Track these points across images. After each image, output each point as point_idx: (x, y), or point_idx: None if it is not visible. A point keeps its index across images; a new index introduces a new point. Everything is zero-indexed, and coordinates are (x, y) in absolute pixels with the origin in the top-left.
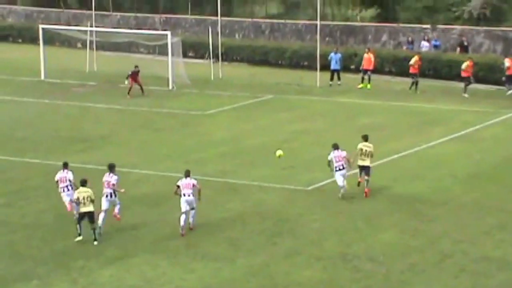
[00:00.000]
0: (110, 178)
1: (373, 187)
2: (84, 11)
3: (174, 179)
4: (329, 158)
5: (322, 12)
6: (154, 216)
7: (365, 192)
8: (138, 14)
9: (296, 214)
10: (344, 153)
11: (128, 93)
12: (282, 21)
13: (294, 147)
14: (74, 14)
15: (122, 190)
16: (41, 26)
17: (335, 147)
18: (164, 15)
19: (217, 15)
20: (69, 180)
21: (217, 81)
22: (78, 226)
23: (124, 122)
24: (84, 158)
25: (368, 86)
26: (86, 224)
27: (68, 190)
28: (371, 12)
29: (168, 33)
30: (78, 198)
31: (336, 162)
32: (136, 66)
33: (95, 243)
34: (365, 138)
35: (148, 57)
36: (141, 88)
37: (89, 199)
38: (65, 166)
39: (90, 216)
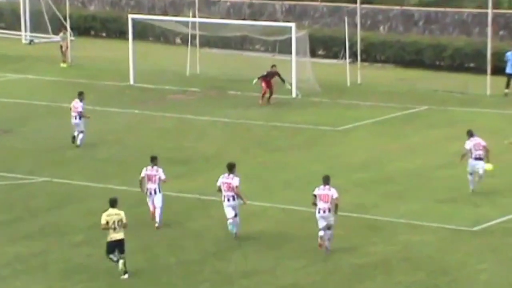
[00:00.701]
0: (231, 180)
1: None
2: None
3: (296, 213)
4: (467, 147)
5: None
6: (270, 261)
7: None
8: (254, 1)
9: (458, 262)
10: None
11: (262, 99)
12: (441, 9)
13: (455, 174)
14: (172, 1)
15: (248, 202)
16: (130, 16)
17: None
18: (287, 2)
19: (355, 2)
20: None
21: (354, 87)
22: (110, 258)
23: (234, 140)
24: (184, 185)
25: None
26: None
27: (155, 193)
28: None
29: (292, 25)
30: (107, 223)
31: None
32: (273, 66)
33: (125, 276)
34: None
35: (266, 55)
36: (270, 95)
37: (120, 223)
38: (154, 160)
39: (121, 245)
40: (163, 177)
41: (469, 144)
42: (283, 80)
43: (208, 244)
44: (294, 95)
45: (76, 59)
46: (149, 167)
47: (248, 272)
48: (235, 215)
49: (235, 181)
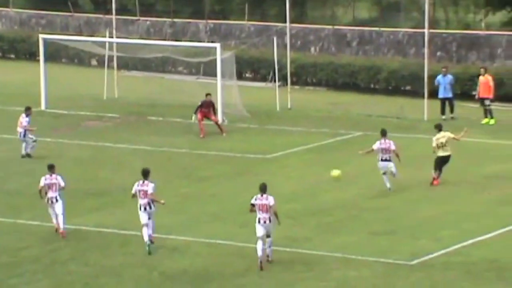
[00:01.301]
0: (146, 187)
1: None
2: (101, 16)
3: (223, 248)
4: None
5: (431, 17)
6: None
7: None
8: (176, 20)
9: None
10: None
11: (202, 132)
12: (376, 28)
13: (391, 204)
14: (87, 19)
15: (162, 202)
16: (41, 36)
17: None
18: (211, 21)
19: (285, 21)
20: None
21: (284, 112)
22: None
23: (156, 169)
24: (100, 219)
25: (491, 121)
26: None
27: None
28: (502, 15)
29: (218, 45)
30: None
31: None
32: (208, 95)
33: None
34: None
35: (189, 79)
36: (219, 126)
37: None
38: (51, 169)
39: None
40: (62, 184)
41: (377, 145)
42: (215, 114)
43: (128, 284)
44: (220, 120)
45: None
46: (48, 176)
47: None
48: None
49: (150, 187)
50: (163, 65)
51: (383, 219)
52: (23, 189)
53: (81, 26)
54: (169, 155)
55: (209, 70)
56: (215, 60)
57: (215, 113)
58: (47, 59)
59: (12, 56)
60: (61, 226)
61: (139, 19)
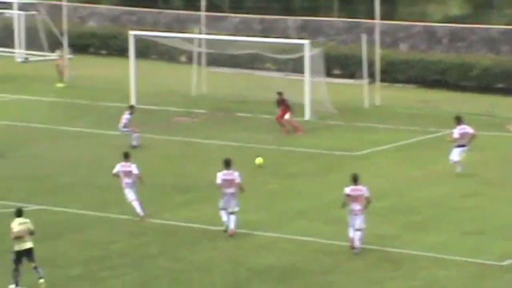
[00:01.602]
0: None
1: None
2: (191, 12)
3: (310, 245)
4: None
5: None
6: None
7: None
8: (265, 16)
9: None
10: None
11: (298, 131)
12: (468, 25)
13: (481, 204)
14: (177, 16)
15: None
16: (131, 32)
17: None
18: (301, 17)
19: (374, 18)
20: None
21: (373, 109)
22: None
23: (243, 165)
24: (188, 214)
25: None
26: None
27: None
28: None
29: (306, 42)
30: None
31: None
32: (279, 93)
33: (42, 281)
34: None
35: (278, 75)
36: (288, 125)
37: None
38: (127, 157)
39: (30, 254)
40: (136, 172)
41: (456, 132)
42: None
43: (215, 278)
44: (308, 117)
45: (73, 78)
46: (123, 163)
47: None
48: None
49: (236, 175)
50: (251, 61)
51: (472, 219)
52: (113, 184)
53: (171, 22)
54: (256, 151)
55: (298, 66)
56: (304, 56)
57: (289, 111)
58: (137, 55)
59: (104, 52)
60: (139, 210)
61: (228, 16)
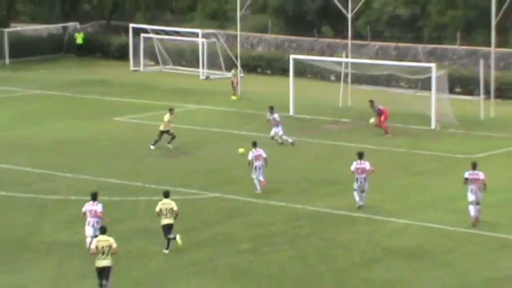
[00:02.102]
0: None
1: None
2: (339, 40)
3: (435, 230)
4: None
5: None
6: (409, 271)
7: None
8: (400, 44)
9: None
10: None
11: (388, 131)
12: None
13: None
14: (328, 43)
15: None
16: (292, 56)
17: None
18: (429, 46)
19: (490, 46)
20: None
21: (488, 121)
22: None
23: (379, 164)
24: (332, 202)
25: None
26: None
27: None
28: None
29: (433, 65)
30: (97, 248)
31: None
32: (371, 102)
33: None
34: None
35: (409, 92)
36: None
37: (108, 248)
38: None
39: (107, 272)
40: (264, 155)
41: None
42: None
43: (355, 256)
44: (433, 126)
45: (244, 93)
46: (254, 150)
47: (391, 281)
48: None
49: (367, 164)
50: (388, 80)
51: None
52: (275, 177)
53: (323, 48)
54: (390, 153)
55: (426, 85)
56: (431, 77)
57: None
58: (296, 74)
59: (269, 72)
60: (258, 188)
61: (369, 43)
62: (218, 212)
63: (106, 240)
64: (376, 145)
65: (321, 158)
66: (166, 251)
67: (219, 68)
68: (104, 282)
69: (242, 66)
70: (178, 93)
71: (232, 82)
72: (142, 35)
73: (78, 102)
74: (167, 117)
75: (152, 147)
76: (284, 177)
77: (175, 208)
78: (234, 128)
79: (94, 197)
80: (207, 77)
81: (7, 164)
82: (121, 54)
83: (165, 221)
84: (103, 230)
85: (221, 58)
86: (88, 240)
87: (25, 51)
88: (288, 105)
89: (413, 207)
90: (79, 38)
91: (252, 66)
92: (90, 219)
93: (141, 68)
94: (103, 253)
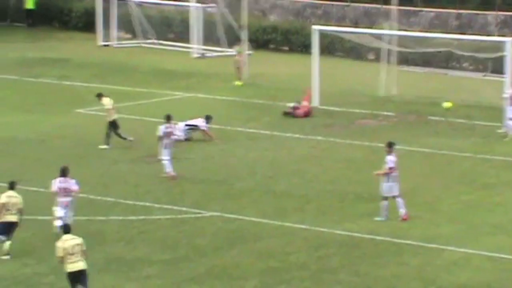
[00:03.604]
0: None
1: None
2: (381, 6)
3: (508, 263)
4: None
5: None
6: None
7: None
8: (462, 11)
9: None
10: None
11: None
12: None
13: None
14: (365, 10)
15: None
16: (315, 27)
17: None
18: (502, 13)
19: None
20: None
21: None
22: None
23: (434, 173)
24: (370, 224)
25: None
26: None
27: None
28: None
29: (508, 40)
30: (65, 249)
31: None
32: None
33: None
34: None
35: (475, 76)
36: None
37: (80, 247)
38: (64, 173)
39: (84, 277)
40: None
41: None
42: None
43: None
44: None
45: (252, 76)
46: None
47: None
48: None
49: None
50: (446, 60)
51: None
52: (292, 190)
53: (358, 17)
54: (449, 158)
55: (498, 67)
56: (504, 56)
57: None
58: (321, 52)
59: (285, 48)
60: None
61: (421, 10)
62: (217, 236)
63: (73, 238)
64: (429, 147)
65: (355, 165)
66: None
67: (218, 44)
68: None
69: (250, 41)
70: (162, 76)
71: (236, 62)
72: None
73: (28, 88)
74: (107, 101)
75: (105, 146)
76: (304, 190)
77: (20, 204)
78: (238, 124)
79: (64, 173)
80: (202, 55)
81: None
82: (86, 24)
83: (8, 218)
84: (67, 229)
85: (220, 30)
86: (58, 223)
87: None
88: (311, 92)
89: (479, 231)
90: (30, 2)
91: (263, 40)
92: (61, 199)
93: (113, 43)
94: (73, 254)
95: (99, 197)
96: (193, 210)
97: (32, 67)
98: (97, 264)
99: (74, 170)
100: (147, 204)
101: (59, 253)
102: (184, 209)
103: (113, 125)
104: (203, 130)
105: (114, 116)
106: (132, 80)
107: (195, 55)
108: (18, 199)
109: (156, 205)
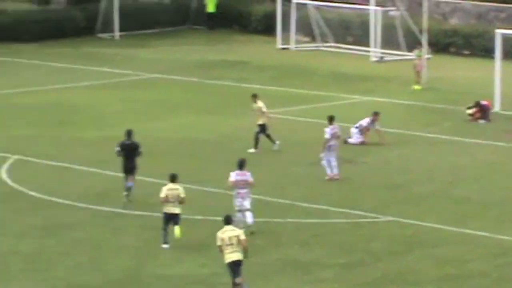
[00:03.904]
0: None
1: None
2: None
3: None
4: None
5: None
6: None
7: None
8: None
9: None
10: None
11: None
12: None
13: None
14: None
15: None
16: (498, 31)
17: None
18: None
19: None
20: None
21: None
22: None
23: None
24: None
25: None
26: None
27: None
28: None
29: None
30: (223, 239)
31: None
32: None
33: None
34: None
35: None
36: None
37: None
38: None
39: (238, 267)
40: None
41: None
42: None
43: None
44: None
45: (431, 80)
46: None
47: None
48: None
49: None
50: None
51: None
52: (472, 197)
53: None
54: None
55: None
56: None
57: None
58: (505, 56)
59: (466, 52)
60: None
61: None
62: (393, 241)
63: (232, 229)
64: None
65: None
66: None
67: (398, 47)
68: (237, 280)
69: (430, 44)
70: (340, 80)
71: (415, 66)
72: (294, 0)
73: (207, 90)
74: (262, 103)
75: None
76: (485, 196)
77: (182, 195)
78: (417, 129)
79: (241, 165)
80: (381, 59)
81: (115, 171)
82: (266, 27)
83: (171, 209)
84: (228, 220)
85: (400, 34)
86: (238, 216)
87: (140, 22)
88: (493, 97)
89: None
90: (211, 5)
91: (444, 44)
92: (238, 191)
93: (292, 46)
94: (230, 245)
95: (275, 199)
96: (369, 214)
97: (212, 70)
98: (273, 265)
99: (250, 171)
100: (323, 207)
101: (218, 242)
102: (360, 213)
103: (262, 128)
104: (377, 129)
105: (264, 119)
106: (310, 83)
107: (374, 59)
108: (178, 191)
109: (332, 209)
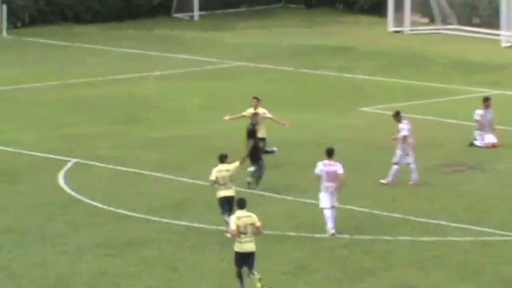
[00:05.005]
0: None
1: None
2: None
3: None
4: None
5: None
6: None
7: None
8: None
9: None
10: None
11: None
12: None
13: None
14: None
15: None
16: None
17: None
18: None
19: None
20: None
21: None
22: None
23: None
24: None
25: None
26: None
27: None
28: None
29: None
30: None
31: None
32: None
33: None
34: None
35: None
36: None
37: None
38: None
39: (251, 259)
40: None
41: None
42: None
43: None
44: None
45: None
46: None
47: None
48: None
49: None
50: None
51: None
52: None
53: None
54: None
55: None
56: None
57: None
58: None
59: None
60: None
61: None
62: None
63: (248, 216)
64: None
65: None
66: None
67: None
68: (254, 272)
69: None
70: (464, 69)
71: None
72: None
73: (304, 82)
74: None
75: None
76: None
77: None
78: None
79: (330, 154)
80: None
81: (193, 178)
82: (375, 6)
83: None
84: (242, 204)
85: None
86: (327, 214)
87: (223, 0)
88: None
89: None
90: None
91: None
92: (326, 184)
93: (407, 29)
94: (245, 233)
95: (385, 213)
96: (498, 232)
97: (310, 56)
98: None
99: (355, 178)
100: (442, 222)
101: (232, 226)
102: (487, 230)
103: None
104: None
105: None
106: (428, 73)
107: (506, 44)
108: (228, 172)
109: (453, 224)
